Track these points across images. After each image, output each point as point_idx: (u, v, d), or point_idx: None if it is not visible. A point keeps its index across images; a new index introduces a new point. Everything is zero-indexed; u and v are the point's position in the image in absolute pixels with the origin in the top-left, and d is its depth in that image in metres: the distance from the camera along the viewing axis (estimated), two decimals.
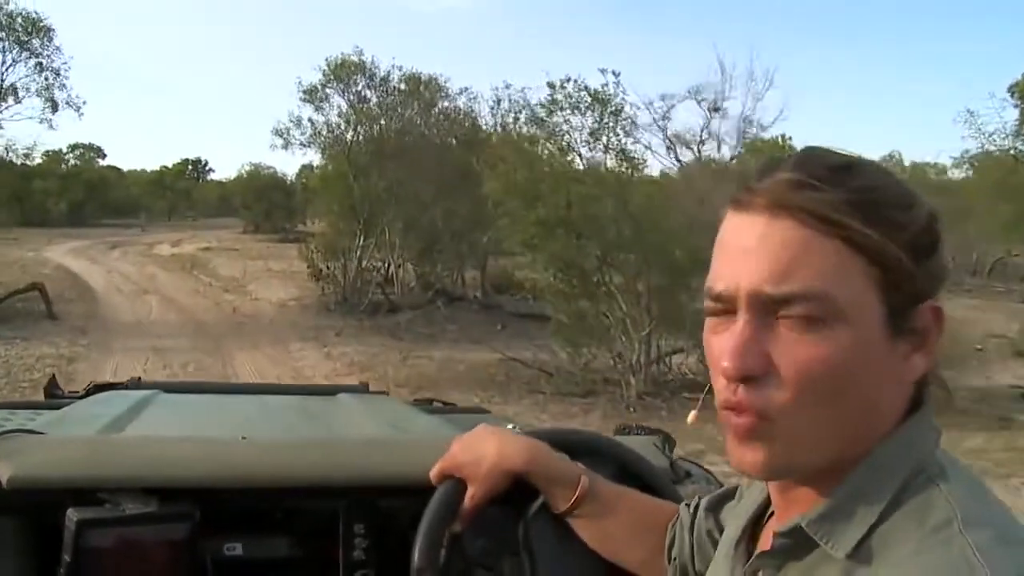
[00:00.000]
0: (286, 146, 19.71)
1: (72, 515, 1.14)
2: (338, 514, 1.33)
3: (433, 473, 1.15)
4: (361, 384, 2.75)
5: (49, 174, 54.46)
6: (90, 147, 77.04)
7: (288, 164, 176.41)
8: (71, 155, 66.08)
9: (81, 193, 53.25)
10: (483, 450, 1.12)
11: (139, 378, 2.48)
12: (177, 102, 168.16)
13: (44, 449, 1.28)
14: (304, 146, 19.77)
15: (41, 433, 1.38)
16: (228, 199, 73.01)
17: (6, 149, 58.95)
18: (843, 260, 0.68)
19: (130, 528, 1.16)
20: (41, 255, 29.64)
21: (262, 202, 45.13)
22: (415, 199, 17.23)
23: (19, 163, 57.63)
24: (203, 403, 2.22)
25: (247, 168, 48.76)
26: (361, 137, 18.37)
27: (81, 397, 2.21)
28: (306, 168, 47.09)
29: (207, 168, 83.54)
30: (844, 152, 0.72)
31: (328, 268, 18.46)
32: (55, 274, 22.70)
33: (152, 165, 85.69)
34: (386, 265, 19.07)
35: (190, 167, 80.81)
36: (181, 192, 72.40)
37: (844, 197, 0.69)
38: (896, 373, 0.71)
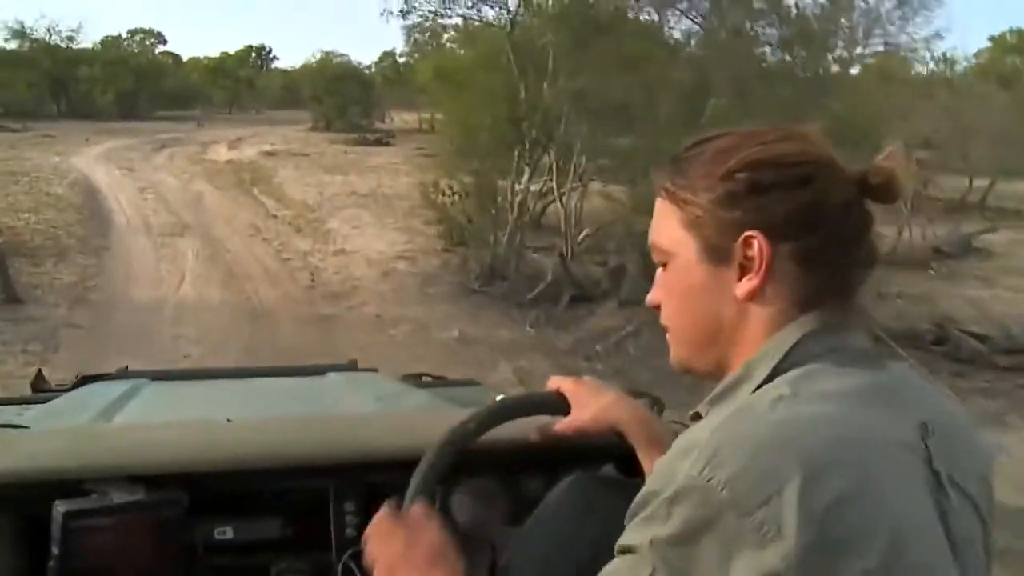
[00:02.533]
0: (406, 14, 12.70)
1: (59, 507, 1.13)
2: (328, 492, 1.30)
3: (553, 381, 1.23)
4: (350, 362, 2.77)
5: (96, 60, 48.39)
6: (150, 32, 71.42)
7: (364, 51, 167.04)
8: (130, 41, 59.94)
9: (131, 81, 47.06)
10: (603, 391, 1.21)
11: (127, 367, 2.50)
12: None
13: (29, 443, 1.35)
14: (436, 16, 12.80)
15: (25, 427, 1.51)
16: (294, 90, 67.90)
17: (48, 31, 54.18)
18: (666, 214, 0.91)
19: (118, 517, 1.15)
20: (68, 161, 23.68)
21: (335, 95, 38.42)
22: (635, 119, 9.72)
23: (63, 46, 53.04)
24: (191, 390, 2.22)
25: (317, 55, 41.89)
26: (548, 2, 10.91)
27: (68, 390, 2.19)
28: (388, 55, 40.75)
29: (271, 56, 77.53)
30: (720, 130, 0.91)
31: (469, 222, 11.29)
32: (68, 195, 16.68)
33: (213, 53, 78.74)
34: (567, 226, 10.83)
35: (253, 54, 74.83)
36: (243, 82, 66.02)
37: (669, 167, 0.92)
38: (725, 294, 0.86)
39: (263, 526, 1.30)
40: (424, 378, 2.58)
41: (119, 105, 47.76)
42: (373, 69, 41.61)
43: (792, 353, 0.83)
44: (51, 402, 1.98)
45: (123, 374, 2.37)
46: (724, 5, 10.83)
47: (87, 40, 51.74)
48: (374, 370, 2.71)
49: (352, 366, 2.67)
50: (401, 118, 43.33)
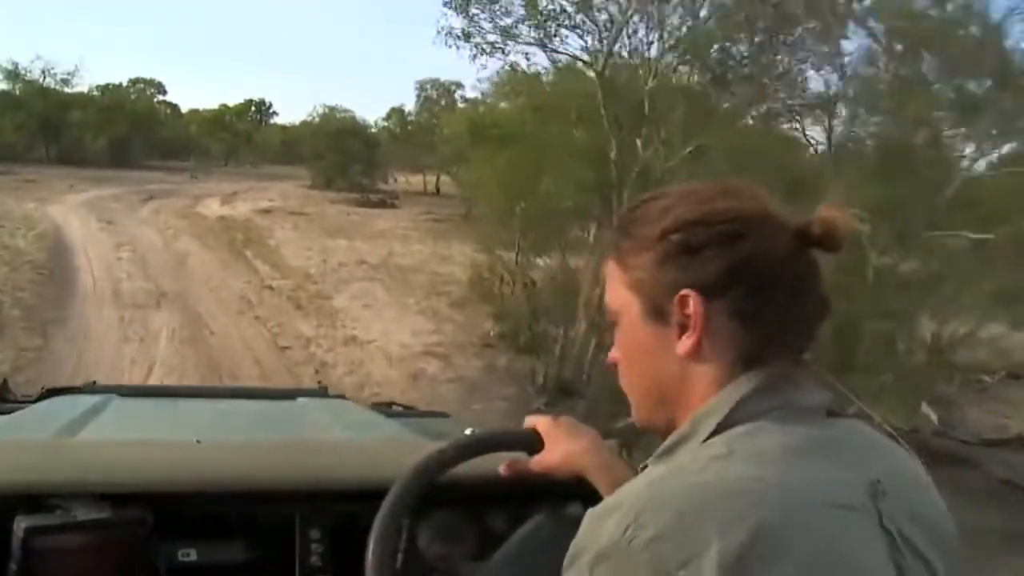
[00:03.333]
0: (467, 37, 9.43)
1: (20, 522, 1.10)
2: (295, 519, 1.28)
3: (531, 420, 1.19)
4: (320, 387, 2.88)
5: (90, 104, 46.49)
6: (150, 82, 70.17)
7: (369, 108, 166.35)
8: (130, 89, 58.32)
9: (125, 128, 45.07)
10: (579, 436, 1.15)
11: (94, 382, 2.44)
12: (242, 41, 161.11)
13: None
14: (500, 42, 9.23)
15: None
16: (293, 145, 66.49)
17: (43, 73, 52.40)
18: (614, 275, 0.91)
19: (80, 535, 1.13)
20: (43, 209, 21.44)
21: (336, 153, 36.50)
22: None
23: (57, 89, 51.20)
24: (159, 407, 2.19)
25: (320, 110, 40.13)
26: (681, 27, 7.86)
27: (34, 402, 2.16)
28: (396, 112, 39.06)
29: (271, 110, 76.26)
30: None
31: (532, 321, 8.62)
32: (31, 249, 14.50)
33: (213, 105, 77.56)
34: None
35: (253, 108, 73.52)
36: (242, 135, 64.37)
37: (615, 229, 0.92)
38: (669, 353, 0.85)
39: (228, 550, 1.26)
40: (394, 407, 2.56)
41: (112, 152, 45.76)
42: (378, 126, 39.83)
43: (736, 410, 0.81)
44: (15, 414, 1.91)
45: (90, 388, 2.27)
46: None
47: (83, 84, 49.74)
48: (343, 396, 2.67)
49: (323, 391, 2.63)
50: (405, 179, 41.58)
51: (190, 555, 1.24)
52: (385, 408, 2.49)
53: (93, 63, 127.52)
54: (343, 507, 1.28)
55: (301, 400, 2.36)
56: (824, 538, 0.71)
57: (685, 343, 0.84)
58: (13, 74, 46.94)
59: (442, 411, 2.79)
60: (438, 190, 40.08)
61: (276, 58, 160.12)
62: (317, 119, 40.20)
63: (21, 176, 32.11)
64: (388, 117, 38.38)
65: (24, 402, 2.24)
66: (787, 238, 0.83)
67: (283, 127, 76.50)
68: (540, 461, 1.15)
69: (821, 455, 0.78)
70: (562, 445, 1.14)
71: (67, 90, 48.38)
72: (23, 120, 45.95)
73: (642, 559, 0.69)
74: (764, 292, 0.82)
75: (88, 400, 2.03)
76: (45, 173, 35.65)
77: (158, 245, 16.90)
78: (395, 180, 40.53)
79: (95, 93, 49.32)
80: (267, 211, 24.63)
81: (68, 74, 48.39)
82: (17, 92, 47.07)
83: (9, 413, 1.94)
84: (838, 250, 0.83)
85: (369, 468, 1.32)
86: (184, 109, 68.86)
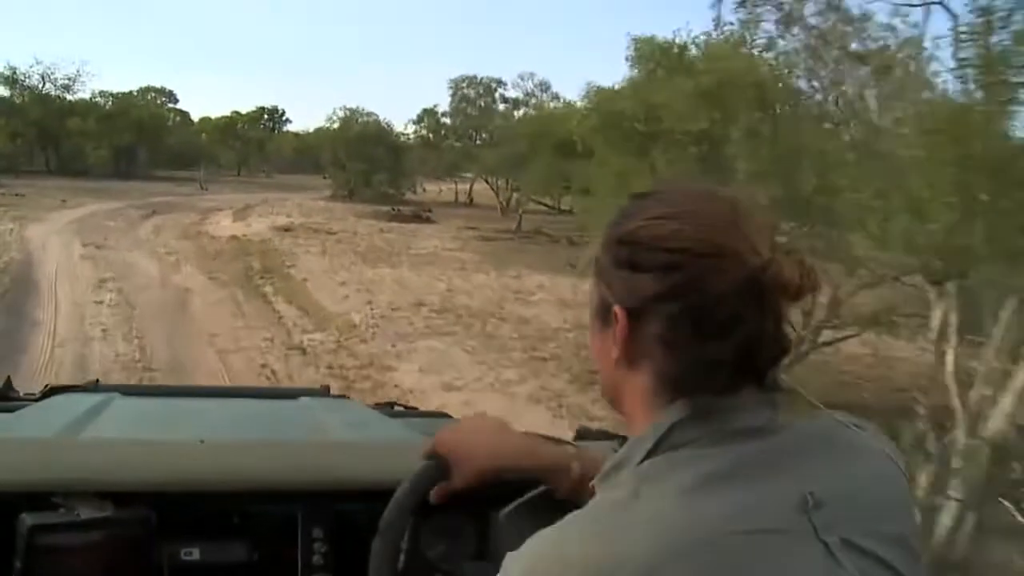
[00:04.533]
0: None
1: (25, 520, 1.11)
2: (297, 518, 1.29)
3: (423, 451, 1.14)
4: (322, 387, 2.72)
5: (91, 111, 43.02)
6: (161, 90, 66.92)
7: (389, 111, 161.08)
8: (140, 98, 54.85)
9: (129, 136, 41.52)
10: (477, 441, 1.13)
11: (97, 380, 2.44)
12: (254, 47, 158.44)
13: None
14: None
15: None
16: (306, 153, 63.34)
17: (42, 78, 48.88)
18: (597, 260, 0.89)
19: (84, 533, 1.14)
20: (22, 230, 17.95)
21: (360, 160, 32.88)
22: None
23: (57, 96, 47.65)
24: (162, 407, 2.16)
25: (339, 113, 36.49)
26: None
27: (37, 400, 2.13)
28: (429, 114, 35.11)
29: (284, 118, 73.12)
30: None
31: None
32: None
33: (224, 112, 74.46)
34: None
35: (265, 115, 70.33)
36: (254, 143, 60.92)
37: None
38: (607, 354, 0.86)
39: (230, 549, 1.27)
40: (396, 407, 2.55)
41: (116, 162, 42.31)
42: (407, 130, 36.08)
43: (663, 441, 0.81)
44: (17, 412, 1.88)
45: (93, 387, 2.25)
46: None
47: (85, 91, 46.25)
48: (345, 396, 2.68)
49: (324, 391, 2.60)
50: (439, 188, 37.92)
51: (192, 554, 1.24)
52: (387, 408, 2.46)
53: (102, 73, 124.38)
54: (345, 506, 1.29)
55: (303, 400, 2.31)
56: (729, 571, 0.71)
57: (613, 352, 0.85)
58: (11, 80, 43.51)
59: (442, 411, 2.76)
60: (471, 200, 36.49)
61: (288, 63, 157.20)
62: (336, 123, 36.42)
63: (9, 189, 28.66)
64: (420, 120, 34.48)
65: (27, 400, 2.18)
66: (732, 277, 0.79)
67: (296, 134, 73.66)
68: (454, 484, 1.11)
69: (743, 478, 0.77)
70: (465, 463, 1.10)
71: (68, 97, 45.04)
72: (20, 128, 42.56)
73: None
74: (689, 325, 0.80)
75: (91, 399, 1.99)
76: (39, 185, 32.25)
77: (154, 279, 13.24)
78: (424, 189, 36.89)
79: (98, 100, 45.86)
80: (287, 229, 20.97)
81: (69, 79, 44.97)
82: (14, 98, 43.69)
83: (12, 411, 1.90)
84: (790, 299, 0.81)
85: (371, 468, 1.31)
86: (195, 117, 65.88)
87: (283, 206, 28.84)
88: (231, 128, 61.79)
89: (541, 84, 32.72)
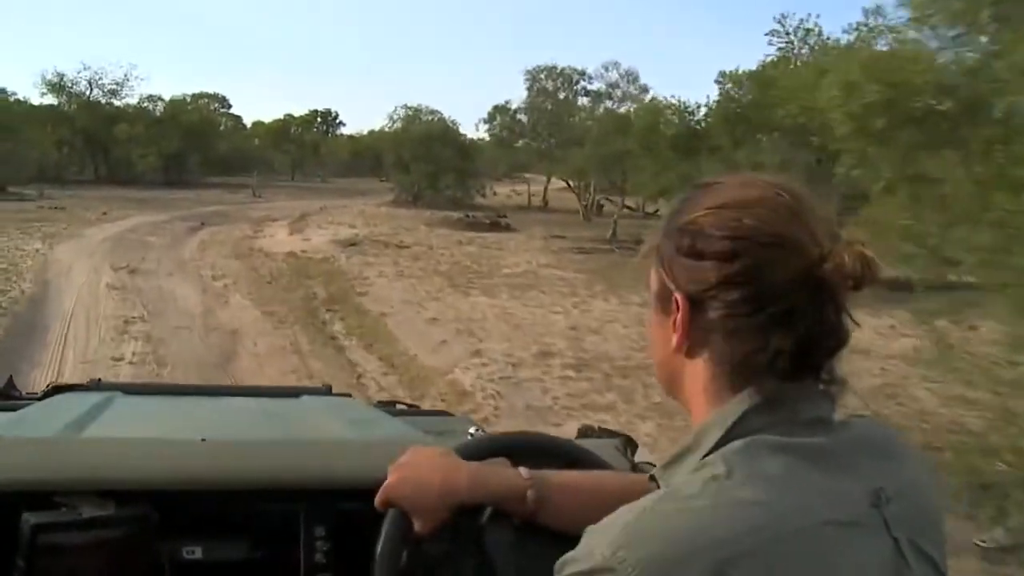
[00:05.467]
0: None
1: (28, 518, 1.11)
2: (299, 517, 1.29)
3: (377, 501, 1.10)
4: (324, 386, 2.67)
5: (140, 117, 40.90)
6: (213, 96, 64.96)
7: (455, 109, 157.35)
8: (193, 105, 52.76)
9: (177, 142, 39.27)
10: (426, 483, 1.08)
11: (99, 379, 2.39)
12: (305, 52, 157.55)
13: None
14: None
15: None
16: (362, 156, 60.97)
17: (90, 84, 46.96)
18: (658, 247, 0.90)
19: (86, 532, 1.14)
20: (51, 251, 15.55)
21: (424, 161, 30.00)
22: None
23: (104, 102, 45.61)
24: (163, 405, 2.16)
25: (400, 112, 33.68)
26: None
27: (39, 399, 2.10)
28: (502, 111, 31.74)
29: (337, 120, 70.88)
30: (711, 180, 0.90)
31: None
32: None
33: (277, 116, 72.84)
34: None
35: (318, 118, 68.21)
36: (308, 146, 58.64)
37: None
38: (668, 342, 0.87)
39: (232, 547, 1.27)
40: (397, 405, 2.53)
41: (167, 170, 40.11)
42: (473, 133, 33.07)
43: (737, 426, 0.81)
44: (20, 411, 1.86)
45: (95, 386, 2.22)
46: None
47: (134, 95, 44.12)
48: (348, 395, 2.62)
49: (326, 390, 2.54)
50: (511, 191, 34.87)
51: (195, 552, 1.24)
52: (389, 406, 2.44)
53: (151, 76, 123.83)
54: (347, 505, 1.28)
55: (305, 398, 2.29)
56: (818, 561, 0.72)
57: (673, 339, 0.86)
58: (58, 86, 41.55)
59: (444, 410, 2.78)
60: (546, 203, 33.36)
61: (338, 65, 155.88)
62: (398, 123, 33.57)
63: (50, 201, 26.42)
64: (491, 117, 31.22)
65: (29, 399, 2.16)
66: (793, 267, 0.79)
67: (351, 137, 71.56)
68: (420, 532, 1.08)
69: (822, 468, 0.77)
70: (420, 509, 1.07)
71: (116, 102, 42.97)
72: (67, 136, 40.61)
73: None
74: (749, 313, 0.80)
75: (93, 398, 1.98)
76: (83, 196, 30.04)
77: (194, 317, 10.43)
78: (494, 192, 33.87)
79: (146, 105, 43.75)
80: (351, 243, 18.15)
81: (117, 84, 42.89)
82: (61, 106, 41.78)
83: (14, 410, 1.87)
84: (851, 289, 0.80)
85: (373, 466, 1.21)
86: (246, 122, 63.85)
87: (343, 214, 26.15)
88: (284, 132, 59.67)
89: (628, 74, 29.09)
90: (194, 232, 20.64)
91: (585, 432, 1.60)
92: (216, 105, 60.56)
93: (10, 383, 2.33)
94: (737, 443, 0.78)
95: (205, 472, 1.30)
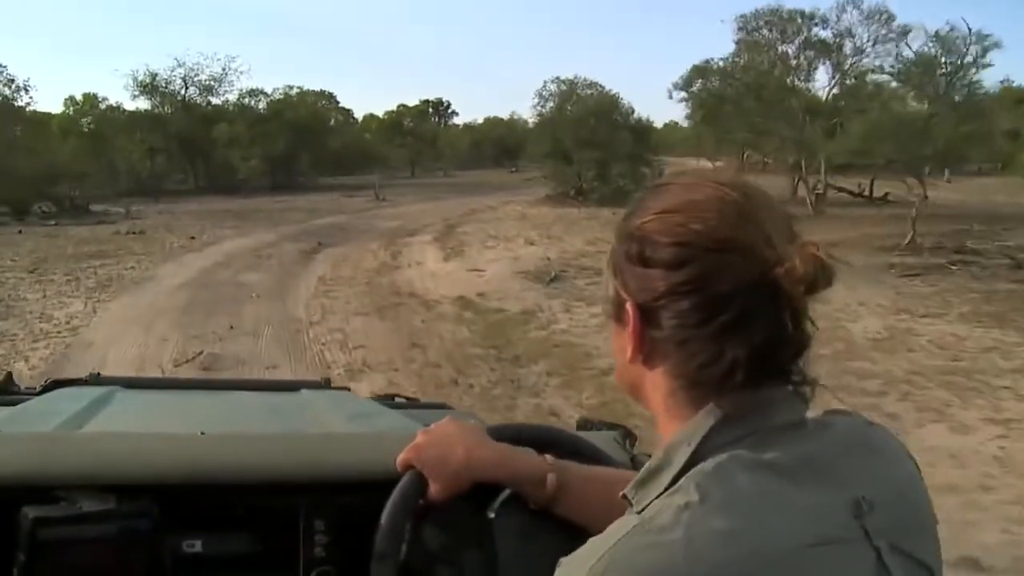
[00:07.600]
0: None
1: (27, 513, 1.09)
2: (299, 510, 1.28)
3: (400, 459, 1.11)
4: (323, 379, 2.69)
5: (240, 116, 35.62)
6: (321, 94, 59.43)
7: (630, 83, 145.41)
8: (300, 100, 47.36)
9: (283, 142, 33.72)
10: (450, 451, 1.09)
11: (98, 373, 2.40)
12: (413, 43, 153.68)
13: None
14: None
15: None
16: (481, 145, 54.93)
17: (184, 82, 41.36)
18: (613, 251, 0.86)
19: (87, 526, 1.12)
20: (94, 314, 9.55)
21: (592, 147, 23.31)
22: None
23: (200, 103, 40.44)
24: (164, 399, 2.18)
25: (551, 88, 26.99)
26: None
27: (38, 393, 2.12)
28: (698, 70, 24.09)
29: (450, 111, 65.26)
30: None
31: None
32: None
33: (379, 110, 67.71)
34: None
35: (431, 109, 62.75)
36: (425, 138, 52.86)
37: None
38: (624, 350, 0.83)
39: (232, 541, 1.26)
40: (396, 399, 2.51)
41: (272, 172, 34.75)
42: (676, 99, 26.01)
43: (704, 444, 0.78)
44: (20, 405, 1.86)
45: (95, 380, 2.24)
46: None
47: (233, 91, 38.83)
48: (347, 388, 2.64)
49: (325, 383, 2.57)
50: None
51: (195, 546, 1.24)
52: (388, 400, 2.44)
53: (252, 71, 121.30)
54: (347, 498, 1.28)
55: (304, 392, 2.29)
56: None
57: (627, 349, 0.83)
58: (150, 87, 36.61)
59: (443, 402, 2.71)
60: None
61: (443, 55, 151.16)
62: (550, 101, 26.87)
63: (133, 222, 20.99)
64: (687, 83, 23.42)
65: (29, 394, 2.18)
66: (744, 272, 0.76)
67: (467, 126, 65.82)
68: (431, 496, 1.08)
69: (799, 482, 0.74)
70: (440, 475, 1.08)
71: (214, 100, 37.82)
72: (161, 142, 35.64)
73: None
74: (701, 322, 0.77)
75: (93, 392, 2.00)
76: (175, 211, 24.64)
77: None
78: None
79: (247, 101, 38.47)
80: (549, 276, 11.59)
81: (214, 79, 37.66)
82: (155, 108, 36.87)
83: (14, 405, 1.88)
84: (807, 293, 0.76)
85: (372, 459, 1.25)
86: (358, 115, 58.61)
87: (500, 221, 19.82)
88: (398, 124, 54.09)
89: (877, 14, 21.13)
90: (309, 259, 14.65)
91: (584, 424, 1.56)
92: (323, 103, 55.39)
93: (9, 378, 2.33)
94: (709, 464, 0.75)
95: (205, 466, 1.25)
